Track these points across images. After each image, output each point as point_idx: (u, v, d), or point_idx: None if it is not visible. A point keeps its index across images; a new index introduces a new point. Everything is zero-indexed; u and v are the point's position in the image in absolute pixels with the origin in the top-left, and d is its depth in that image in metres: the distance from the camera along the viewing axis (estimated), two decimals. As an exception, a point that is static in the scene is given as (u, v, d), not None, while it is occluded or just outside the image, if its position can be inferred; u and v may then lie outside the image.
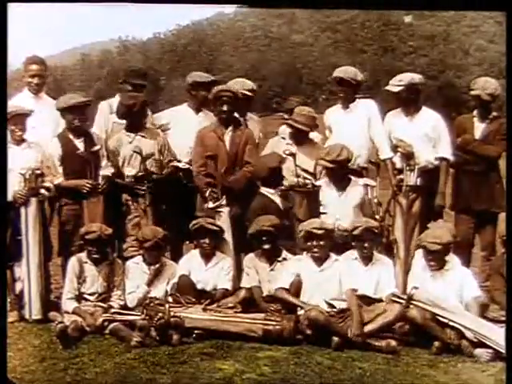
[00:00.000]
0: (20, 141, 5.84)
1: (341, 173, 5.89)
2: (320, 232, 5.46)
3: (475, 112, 6.25)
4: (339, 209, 5.84)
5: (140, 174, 5.99)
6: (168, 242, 5.92)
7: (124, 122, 6.13)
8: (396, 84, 6.13)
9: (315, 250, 5.47)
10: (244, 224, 5.87)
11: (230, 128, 6.09)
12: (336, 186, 5.91)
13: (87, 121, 6.14)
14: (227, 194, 5.93)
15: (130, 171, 6.00)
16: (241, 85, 6.37)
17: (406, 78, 6.15)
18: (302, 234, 5.52)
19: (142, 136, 6.07)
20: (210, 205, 5.89)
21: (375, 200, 5.96)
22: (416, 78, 6.21)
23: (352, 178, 5.96)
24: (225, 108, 6.03)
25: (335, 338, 5.04)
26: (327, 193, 5.92)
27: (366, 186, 5.98)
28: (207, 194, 5.90)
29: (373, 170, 6.28)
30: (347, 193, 5.90)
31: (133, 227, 5.92)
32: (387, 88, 6.19)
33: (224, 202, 5.92)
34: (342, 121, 6.21)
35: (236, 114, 6.23)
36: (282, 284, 5.51)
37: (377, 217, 5.85)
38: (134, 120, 6.06)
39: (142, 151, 5.97)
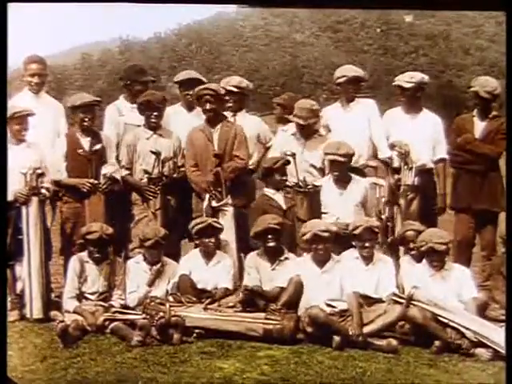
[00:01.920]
0: (20, 141, 5.85)
1: (342, 169, 5.88)
2: (326, 234, 5.42)
3: (475, 111, 6.26)
4: (340, 207, 5.84)
5: (154, 175, 6.01)
6: (171, 242, 5.93)
7: (137, 122, 6.17)
8: (407, 80, 6.15)
9: (319, 252, 5.45)
10: (247, 223, 5.89)
11: (218, 126, 6.09)
12: (337, 184, 5.90)
13: (96, 120, 6.15)
14: (231, 193, 5.95)
15: (143, 167, 6.03)
16: (235, 82, 6.37)
17: (417, 76, 6.19)
18: (307, 236, 5.47)
19: (160, 135, 6.09)
20: (214, 204, 5.90)
21: (383, 199, 5.93)
22: (426, 77, 6.27)
23: (353, 175, 5.95)
24: (207, 106, 6.05)
25: (336, 338, 5.04)
26: (328, 191, 5.91)
27: (375, 185, 5.97)
28: (208, 194, 5.91)
29: (382, 168, 6.25)
30: (348, 191, 5.90)
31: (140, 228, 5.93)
32: (397, 83, 6.21)
33: (230, 201, 5.93)
34: (342, 119, 6.21)
35: (228, 113, 6.27)
36: (280, 285, 5.51)
37: (383, 217, 5.84)
38: (154, 117, 6.07)
39: (160, 153, 5.99)
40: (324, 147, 5.92)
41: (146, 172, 6.02)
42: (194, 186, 6.05)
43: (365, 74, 6.40)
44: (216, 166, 5.98)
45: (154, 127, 6.10)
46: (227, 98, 6.27)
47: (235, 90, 6.32)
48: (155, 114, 6.05)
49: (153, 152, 5.97)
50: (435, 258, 5.37)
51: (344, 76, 6.21)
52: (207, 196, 5.92)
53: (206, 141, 6.06)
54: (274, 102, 6.67)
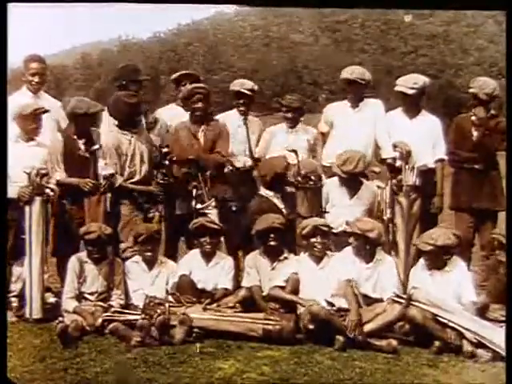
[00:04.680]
0: (32, 139, 5.86)
1: (354, 179, 5.91)
2: (325, 229, 5.50)
3: (473, 111, 6.26)
4: (350, 212, 5.84)
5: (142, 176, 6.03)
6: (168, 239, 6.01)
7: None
8: (410, 87, 6.14)
9: (317, 247, 5.47)
10: (236, 225, 5.94)
11: (203, 126, 6.12)
12: (348, 190, 5.92)
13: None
14: (216, 196, 6.00)
15: (133, 170, 6.03)
16: (240, 84, 6.38)
17: (420, 81, 6.19)
18: (306, 230, 5.50)
19: (136, 134, 6.07)
20: (198, 206, 5.91)
21: (387, 200, 5.94)
22: (427, 81, 6.29)
23: (364, 181, 5.96)
24: (199, 105, 6.08)
25: (340, 338, 5.04)
26: (338, 195, 5.93)
27: (378, 187, 5.98)
28: (194, 195, 5.95)
29: (384, 170, 6.25)
30: (358, 196, 5.91)
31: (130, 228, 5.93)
32: (400, 89, 6.19)
33: (213, 203, 5.94)
34: (350, 119, 6.21)
35: (239, 116, 6.31)
36: (279, 282, 5.52)
37: (384, 218, 5.85)
38: (132, 118, 6.07)
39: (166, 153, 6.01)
40: (338, 160, 5.88)
41: (140, 173, 6.03)
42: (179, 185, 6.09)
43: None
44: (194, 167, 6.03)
45: (132, 128, 6.07)
46: (240, 100, 6.34)
47: (249, 93, 6.36)
48: (135, 115, 6.06)
49: (160, 150, 6.00)
50: (424, 257, 5.40)
51: (359, 78, 6.20)
52: (194, 194, 5.98)
53: (193, 140, 6.09)
54: (284, 103, 6.54)
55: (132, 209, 5.98)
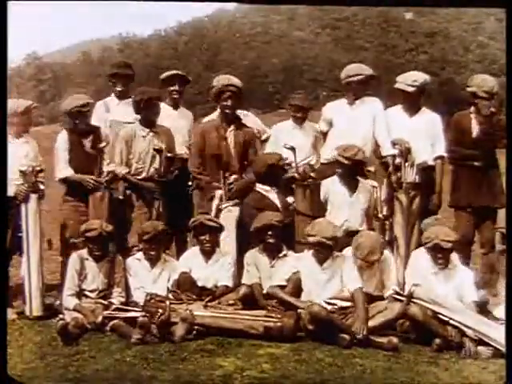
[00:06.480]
0: (20, 136, 5.86)
1: (353, 173, 5.90)
2: (331, 243, 5.41)
3: (472, 108, 6.26)
4: (349, 211, 5.86)
5: (151, 173, 6.02)
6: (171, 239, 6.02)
7: (123, 119, 6.23)
8: (410, 84, 6.13)
9: (322, 253, 5.45)
10: (245, 223, 5.89)
11: (233, 126, 6.10)
12: (347, 188, 5.91)
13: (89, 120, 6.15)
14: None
15: (141, 165, 6.02)
16: (227, 80, 6.36)
17: (420, 78, 6.17)
18: (312, 240, 5.41)
19: (155, 132, 6.07)
20: (224, 205, 5.92)
21: (382, 198, 5.94)
22: (427, 78, 6.25)
23: (360, 179, 5.96)
24: (229, 103, 6.06)
25: (345, 336, 5.03)
26: (338, 194, 5.92)
27: (372, 186, 5.98)
28: (218, 194, 5.93)
29: (380, 171, 6.24)
30: (357, 195, 5.91)
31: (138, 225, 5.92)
32: (399, 87, 6.19)
33: (236, 201, 5.94)
34: (348, 116, 6.21)
35: (239, 111, 6.28)
36: (279, 281, 5.51)
37: (380, 215, 5.85)
38: (145, 115, 6.05)
39: (162, 151, 5.99)
40: (337, 150, 5.89)
41: (148, 171, 6.03)
42: (198, 183, 6.07)
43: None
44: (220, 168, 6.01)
45: (148, 125, 6.07)
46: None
47: (234, 89, 6.30)
48: (147, 112, 6.03)
49: (156, 150, 5.97)
50: (441, 255, 5.37)
51: (359, 75, 6.18)
52: (217, 194, 5.95)
53: (220, 140, 6.07)
54: (292, 103, 6.45)
55: (139, 206, 5.98)
